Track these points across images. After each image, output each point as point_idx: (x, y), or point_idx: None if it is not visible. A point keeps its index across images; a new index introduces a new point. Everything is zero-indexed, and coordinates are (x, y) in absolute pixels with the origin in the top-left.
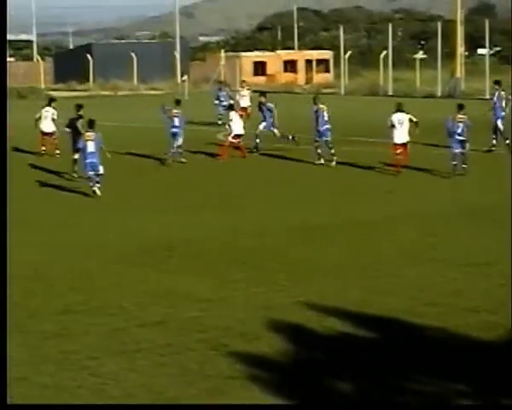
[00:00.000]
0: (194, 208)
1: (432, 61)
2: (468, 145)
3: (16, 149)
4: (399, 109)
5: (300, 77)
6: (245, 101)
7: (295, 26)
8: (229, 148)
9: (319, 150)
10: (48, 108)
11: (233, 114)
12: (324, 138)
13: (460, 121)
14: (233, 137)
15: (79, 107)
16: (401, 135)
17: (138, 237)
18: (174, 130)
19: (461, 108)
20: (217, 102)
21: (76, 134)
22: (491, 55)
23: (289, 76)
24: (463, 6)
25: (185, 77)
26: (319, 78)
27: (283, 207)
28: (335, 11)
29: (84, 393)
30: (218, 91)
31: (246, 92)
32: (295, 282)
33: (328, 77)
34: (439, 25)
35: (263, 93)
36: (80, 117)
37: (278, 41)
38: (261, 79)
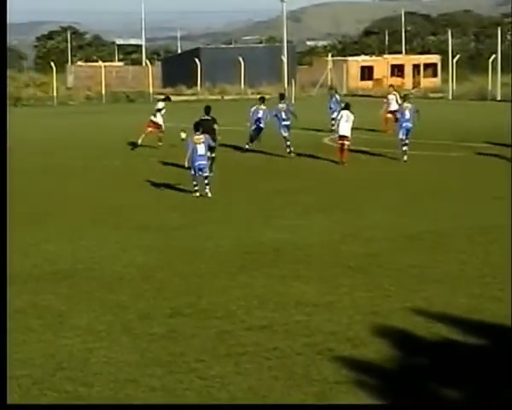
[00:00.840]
0: (302, 212)
1: None
2: None
3: (132, 146)
4: None
5: (407, 81)
6: (393, 105)
7: (403, 30)
8: (339, 150)
9: (404, 148)
10: (162, 103)
11: (343, 114)
12: (403, 135)
13: None
14: (338, 138)
15: (208, 108)
16: None
17: (246, 241)
18: (284, 123)
19: None
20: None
21: (210, 135)
22: None
23: (396, 80)
24: None
25: (292, 81)
26: (426, 82)
27: (391, 212)
28: (444, 15)
29: (190, 395)
30: (330, 98)
31: (392, 96)
32: (403, 288)
33: (436, 81)
34: None
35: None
36: (213, 119)
37: (385, 45)
38: (368, 83)
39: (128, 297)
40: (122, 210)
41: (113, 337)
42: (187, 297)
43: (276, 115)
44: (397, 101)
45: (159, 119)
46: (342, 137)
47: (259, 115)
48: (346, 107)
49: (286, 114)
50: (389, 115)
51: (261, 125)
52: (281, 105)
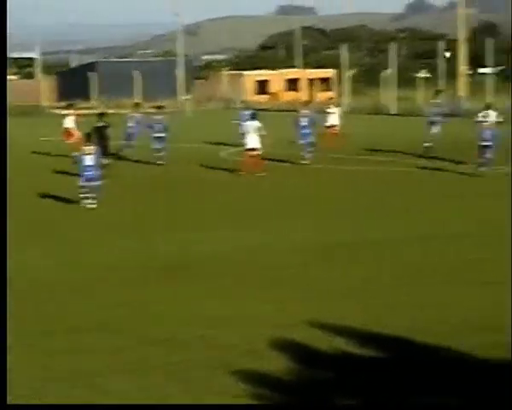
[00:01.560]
0: (213, 226)
1: (436, 80)
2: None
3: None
4: None
5: (303, 95)
6: (333, 118)
7: (299, 44)
8: (247, 162)
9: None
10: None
11: (248, 125)
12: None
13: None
14: (246, 150)
15: (102, 115)
16: None
17: (149, 255)
18: (158, 135)
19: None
20: (236, 121)
21: (104, 141)
22: (494, 74)
23: (292, 94)
24: (467, 26)
25: (188, 95)
26: (322, 96)
27: (301, 224)
28: (339, 30)
29: None
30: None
31: (334, 109)
32: (306, 301)
33: (331, 95)
34: (442, 44)
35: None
36: (107, 124)
37: (281, 60)
38: (264, 97)
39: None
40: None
41: None
42: (87, 313)
43: (149, 127)
44: (339, 115)
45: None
46: (251, 150)
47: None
48: (253, 117)
49: (160, 127)
50: (330, 131)
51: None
52: (156, 117)
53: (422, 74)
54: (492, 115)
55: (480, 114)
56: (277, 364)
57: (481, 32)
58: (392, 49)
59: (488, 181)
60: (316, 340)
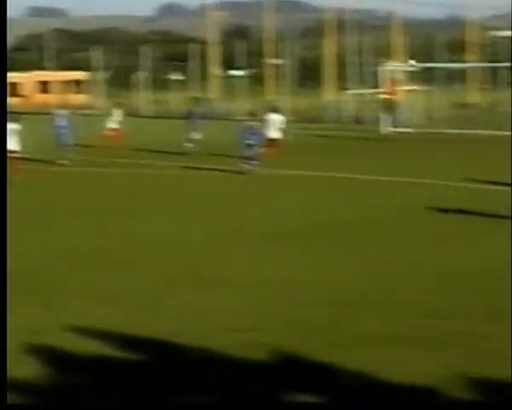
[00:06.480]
0: None
1: (189, 82)
2: None
3: None
4: None
5: (55, 97)
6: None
7: (48, 46)
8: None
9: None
10: None
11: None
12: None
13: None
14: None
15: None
16: None
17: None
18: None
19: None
20: None
21: None
22: (247, 77)
23: (44, 97)
24: (218, 29)
25: None
26: (75, 98)
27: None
28: (90, 32)
29: None
30: None
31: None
32: (58, 306)
33: (84, 98)
34: (194, 46)
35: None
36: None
37: (34, 62)
38: (16, 99)
39: None
40: None
41: None
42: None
43: None
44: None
45: None
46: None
47: None
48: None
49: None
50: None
51: None
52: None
53: (175, 77)
54: (275, 119)
55: (265, 117)
56: (34, 370)
57: (233, 36)
58: (144, 51)
59: (253, 178)
60: (69, 344)
